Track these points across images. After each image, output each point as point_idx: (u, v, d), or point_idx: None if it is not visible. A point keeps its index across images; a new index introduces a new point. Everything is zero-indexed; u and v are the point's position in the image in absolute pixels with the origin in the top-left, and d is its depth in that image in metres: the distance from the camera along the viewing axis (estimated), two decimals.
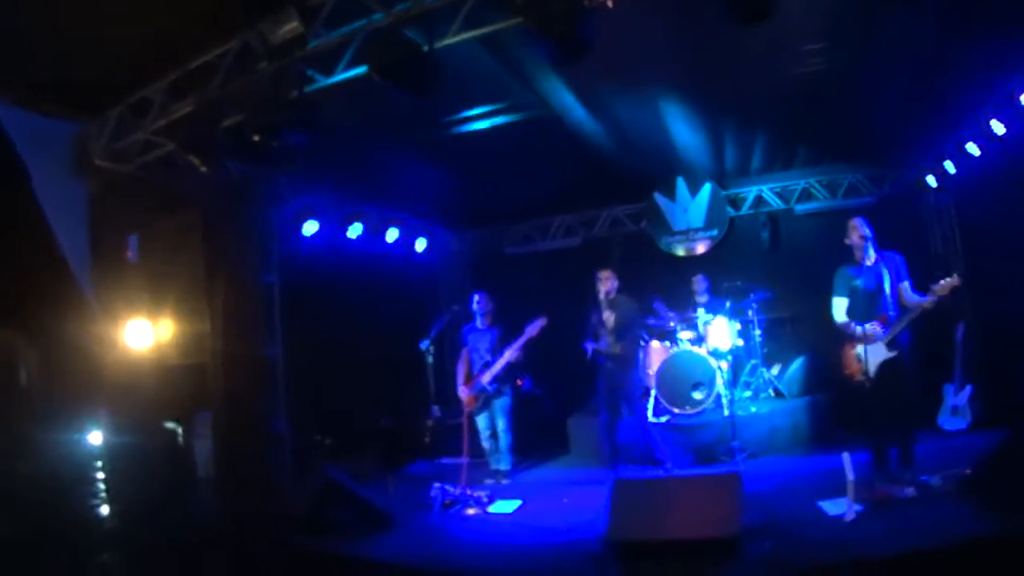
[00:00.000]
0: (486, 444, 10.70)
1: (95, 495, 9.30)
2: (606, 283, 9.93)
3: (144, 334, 9.69)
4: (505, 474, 10.60)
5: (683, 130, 11.42)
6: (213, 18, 7.36)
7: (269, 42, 7.06)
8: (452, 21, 6.89)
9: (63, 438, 9.44)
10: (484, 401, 10.51)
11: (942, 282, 7.63)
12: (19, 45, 7.50)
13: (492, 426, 10.62)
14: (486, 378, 10.37)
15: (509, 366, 10.38)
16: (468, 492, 9.43)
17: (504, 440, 10.58)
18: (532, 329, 10.06)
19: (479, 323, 10.88)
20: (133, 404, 9.58)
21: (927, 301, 7.69)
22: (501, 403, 10.54)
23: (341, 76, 7.62)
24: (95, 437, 9.65)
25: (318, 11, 7.11)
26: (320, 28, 7.22)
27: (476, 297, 10.99)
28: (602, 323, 9.95)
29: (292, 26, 6.90)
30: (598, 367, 10.02)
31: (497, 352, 10.42)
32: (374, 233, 13.47)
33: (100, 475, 9.45)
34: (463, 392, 10.57)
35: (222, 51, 7.81)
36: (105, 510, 9.17)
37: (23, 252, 8.80)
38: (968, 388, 10.05)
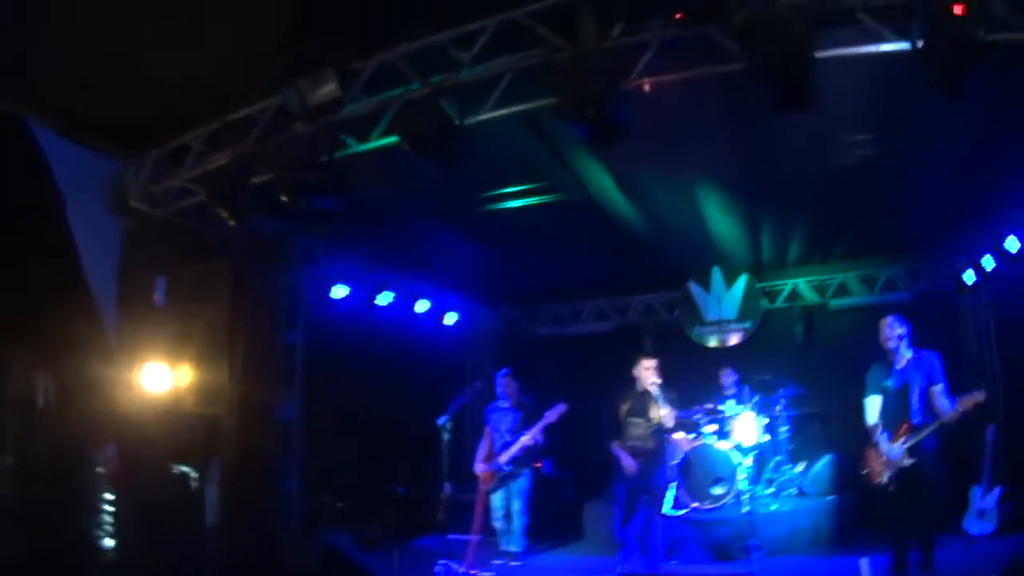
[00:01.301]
0: (498, 524, 10.46)
1: (100, 526, 9.30)
2: (654, 373, 9.16)
3: (161, 378, 9.60)
4: (516, 556, 10.36)
5: (721, 219, 11.37)
6: (257, 70, 7.36)
7: (306, 101, 7.05)
8: (488, 96, 6.90)
9: (75, 466, 9.48)
10: (500, 480, 10.34)
11: (965, 397, 7.46)
12: (68, 78, 7.62)
13: (507, 506, 10.41)
14: (504, 458, 10.22)
15: (528, 448, 10.22)
16: (473, 572, 9.31)
17: (518, 522, 10.36)
18: (552, 414, 9.95)
19: (502, 403, 10.76)
20: (143, 445, 9.55)
21: (947, 416, 7.50)
22: (518, 485, 10.36)
23: (374, 143, 7.64)
24: (103, 470, 9.69)
25: (357, 76, 7.13)
26: (358, 92, 7.25)
27: (501, 376, 10.90)
28: (639, 415, 9.23)
29: (330, 88, 6.89)
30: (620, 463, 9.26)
31: (517, 433, 10.27)
32: (404, 302, 13.45)
33: (108, 508, 9.47)
34: (480, 468, 10.42)
35: (262, 106, 7.87)
36: (109, 542, 9.17)
37: (50, 280, 8.81)
38: (997, 490, 9.79)
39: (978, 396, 7.44)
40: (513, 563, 10.26)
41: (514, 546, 10.35)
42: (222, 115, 8.14)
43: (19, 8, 6.47)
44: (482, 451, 10.54)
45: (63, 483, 9.27)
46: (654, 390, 9.03)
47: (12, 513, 8.81)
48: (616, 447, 9.17)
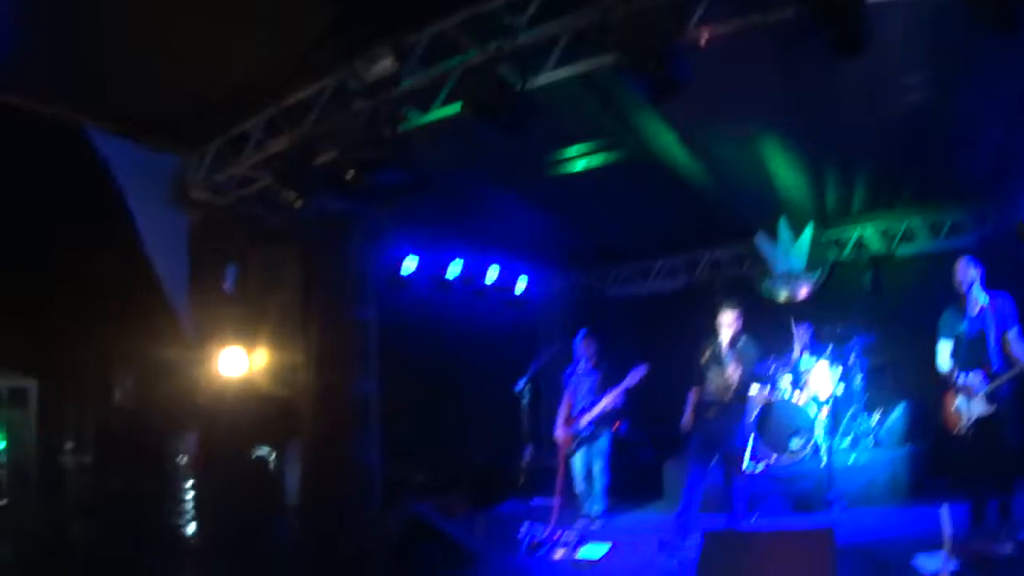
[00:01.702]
0: (579, 487, 10.48)
1: (182, 514, 9.52)
2: (732, 326, 8.89)
3: (238, 362, 9.88)
4: (598, 517, 10.41)
5: (784, 170, 11.28)
6: (309, 56, 7.53)
7: (364, 80, 7.15)
8: (546, 59, 6.92)
9: (152, 457, 9.78)
10: (579, 443, 10.36)
11: None
12: (122, 80, 7.79)
13: (587, 468, 10.43)
14: (583, 421, 10.25)
15: (608, 411, 10.24)
16: (557, 534, 9.40)
17: (599, 483, 10.39)
18: (633, 376, 9.95)
19: (581, 366, 10.71)
20: (223, 430, 9.85)
21: None
22: (598, 446, 10.35)
23: (437, 114, 7.70)
24: (184, 458, 9.93)
25: (412, 49, 7.19)
26: (415, 66, 7.30)
27: (579, 337, 10.83)
28: (716, 371, 8.87)
29: (386, 64, 6.98)
30: (697, 418, 9.05)
31: (597, 395, 10.29)
32: (474, 271, 13.55)
33: (189, 495, 9.69)
34: (560, 433, 10.45)
35: (318, 88, 7.97)
36: (191, 529, 9.46)
37: (120, 278, 9.17)
38: None
39: None
40: (596, 524, 10.30)
41: (597, 507, 10.39)
42: (279, 100, 8.27)
43: (67, 17, 6.64)
44: (562, 414, 10.52)
45: (142, 475, 9.54)
46: (724, 346, 8.82)
47: (93, 508, 9.08)
48: (691, 395, 9.07)
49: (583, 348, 10.69)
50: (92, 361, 9.89)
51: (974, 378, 7.59)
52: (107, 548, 8.51)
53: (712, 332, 8.99)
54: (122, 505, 9.24)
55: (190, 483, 9.81)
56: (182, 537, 9.41)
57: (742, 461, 9.79)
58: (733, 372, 8.62)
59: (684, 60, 6.20)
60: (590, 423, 10.23)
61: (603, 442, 10.34)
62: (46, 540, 8.75)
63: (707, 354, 8.91)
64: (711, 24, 6.28)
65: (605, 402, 10.14)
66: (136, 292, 9.16)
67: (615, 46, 6.19)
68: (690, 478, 8.77)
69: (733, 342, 8.81)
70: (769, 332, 12.36)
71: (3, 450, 9.47)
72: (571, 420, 10.40)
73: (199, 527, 9.44)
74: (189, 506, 9.66)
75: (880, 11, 5.88)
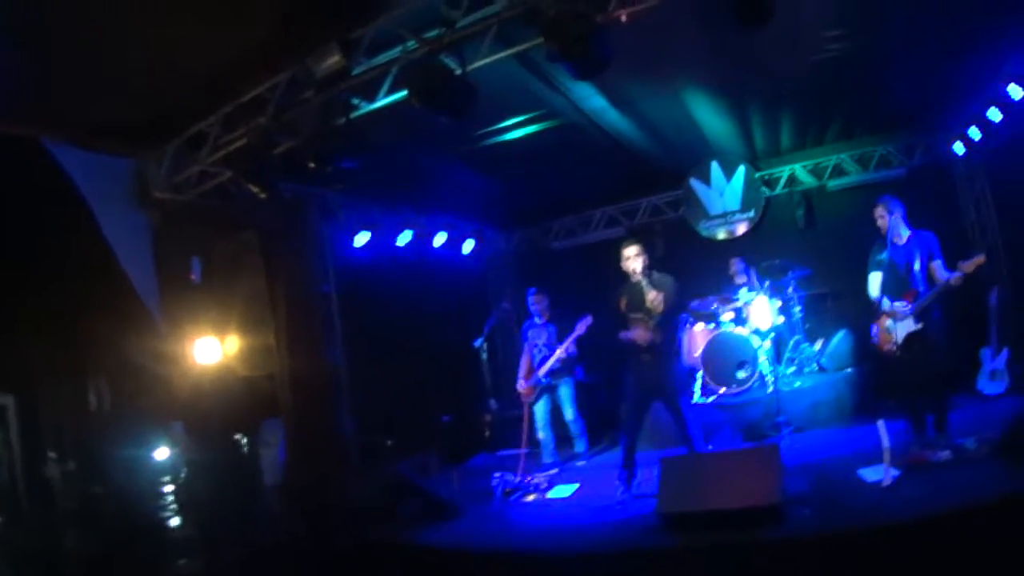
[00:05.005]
0: (541, 434, 10.94)
1: (166, 508, 9.86)
2: (636, 259, 8.43)
3: (212, 350, 10.19)
4: (580, 456, 11.07)
5: (711, 117, 11.75)
6: (260, 55, 7.75)
7: (315, 74, 7.54)
8: (481, 43, 7.31)
9: (132, 456, 10.02)
10: (540, 393, 10.88)
11: (967, 262, 7.68)
12: (76, 90, 7.94)
13: (549, 416, 10.95)
14: (542, 371, 10.78)
15: (563, 360, 10.75)
16: (527, 480, 9.91)
17: (575, 426, 11.00)
18: (581, 327, 10.43)
19: (536, 319, 11.26)
20: (203, 417, 10.12)
21: (953, 278, 7.76)
22: (562, 394, 10.89)
23: (383, 101, 8.06)
24: (162, 452, 10.22)
25: (358, 43, 7.56)
26: (361, 58, 7.68)
27: (531, 294, 11.33)
28: (637, 308, 8.50)
29: (335, 59, 7.37)
30: (629, 360, 8.70)
31: (553, 346, 10.82)
32: (423, 238, 13.81)
33: (169, 488, 10.02)
34: (522, 385, 10.95)
35: (271, 84, 8.25)
36: (176, 521, 9.71)
37: (90, 284, 9.30)
38: (1005, 352, 10.11)
39: (979, 258, 7.71)
40: (580, 463, 10.97)
41: (579, 447, 11.08)
42: (234, 98, 8.53)
43: (16, 31, 6.75)
44: (523, 368, 11.08)
45: (124, 477, 9.79)
46: (641, 278, 8.43)
47: (79, 514, 9.38)
48: (622, 334, 8.63)
49: (535, 303, 11.24)
50: (67, 369, 10.03)
51: (901, 304, 8.17)
52: (100, 551, 8.74)
53: (622, 279, 8.69)
54: (108, 506, 9.53)
55: (173, 476, 10.16)
56: (167, 529, 9.65)
57: (687, 397, 10.35)
58: (655, 298, 8.34)
59: (607, 39, 6.63)
60: (548, 373, 10.78)
61: (566, 390, 10.89)
62: (41, 554, 8.82)
63: (624, 300, 8.64)
64: (630, 3, 6.73)
65: (559, 353, 10.69)
66: (107, 295, 9.30)
67: (542, 34, 6.58)
68: (626, 424, 8.88)
69: (646, 274, 8.45)
70: (709, 271, 12.97)
71: None
72: (531, 372, 10.93)
73: (187, 518, 9.72)
74: (173, 499, 9.95)
75: None
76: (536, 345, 11.10)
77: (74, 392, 10.17)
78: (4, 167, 8.15)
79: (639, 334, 8.47)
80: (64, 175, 8.59)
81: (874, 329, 8.54)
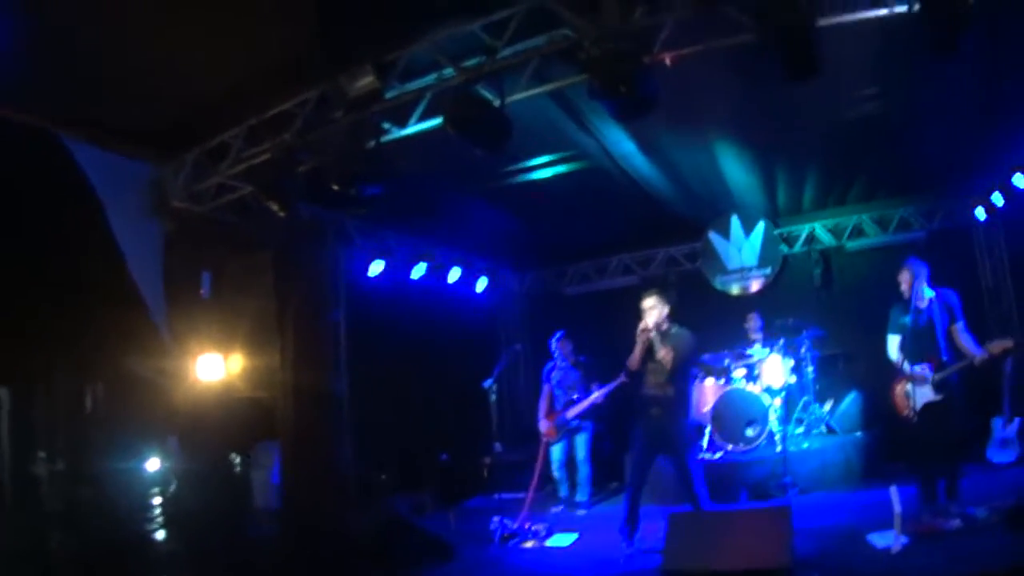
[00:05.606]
0: (557, 474, 11.04)
1: (152, 520, 9.68)
2: (655, 312, 8.12)
3: (215, 367, 10.03)
4: (581, 505, 10.96)
5: (737, 170, 11.70)
6: (292, 69, 7.67)
7: (346, 94, 7.41)
8: (520, 77, 7.23)
9: (122, 465, 9.83)
10: (564, 434, 10.94)
11: (995, 343, 7.68)
12: (101, 90, 7.89)
13: (566, 457, 11.01)
14: (571, 413, 10.82)
15: (593, 406, 10.79)
16: (527, 526, 9.66)
17: (583, 471, 10.98)
18: (618, 381, 10.27)
19: (561, 362, 11.27)
20: (201, 433, 9.95)
21: (979, 358, 7.70)
22: (581, 437, 11.00)
23: (414, 128, 8.00)
24: (153, 464, 10.08)
25: (393, 66, 7.47)
26: (395, 81, 7.58)
27: (557, 338, 11.39)
28: (651, 365, 8.20)
29: (368, 80, 7.25)
30: (639, 413, 8.41)
31: (585, 390, 10.88)
32: (436, 272, 13.73)
33: (157, 500, 9.83)
34: (544, 425, 10.96)
35: (300, 100, 8.16)
36: (161, 534, 9.55)
37: (96, 285, 9.11)
38: (1017, 421, 10.03)
39: (1007, 343, 7.71)
40: (580, 512, 10.83)
41: (581, 495, 10.97)
42: (260, 112, 8.43)
43: (46, 29, 6.72)
44: (543, 408, 11.09)
45: (112, 484, 9.61)
46: (653, 334, 8.07)
47: (64, 516, 9.15)
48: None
49: (560, 347, 11.28)
50: (65, 368, 9.76)
51: (922, 368, 8.02)
52: (82, 556, 8.56)
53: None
54: (94, 512, 9.30)
55: (162, 489, 10.00)
56: (155, 543, 9.49)
57: (694, 452, 10.07)
58: (666, 355, 7.97)
59: (651, 80, 6.54)
60: (576, 416, 10.83)
61: (586, 434, 10.99)
62: (24, 554, 8.55)
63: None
64: (675, 47, 6.64)
65: (595, 396, 10.71)
66: (113, 299, 9.16)
67: (587, 70, 6.49)
68: (631, 477, 8.55)
69: (661, 330, 8.13)
70: (723, 326, 12.79)
71: None
72: (555, 413, 10.93)
73: (173, 532, 9.56)
74: (160, 512, 9.81)
75: (830, 32, 6.27)
76: (561, 387, 11.13)
77: (71, 393, 9.93)
78: (20, 159, 8.06)
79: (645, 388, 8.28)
80: (80, 173, 8.52)
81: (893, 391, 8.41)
